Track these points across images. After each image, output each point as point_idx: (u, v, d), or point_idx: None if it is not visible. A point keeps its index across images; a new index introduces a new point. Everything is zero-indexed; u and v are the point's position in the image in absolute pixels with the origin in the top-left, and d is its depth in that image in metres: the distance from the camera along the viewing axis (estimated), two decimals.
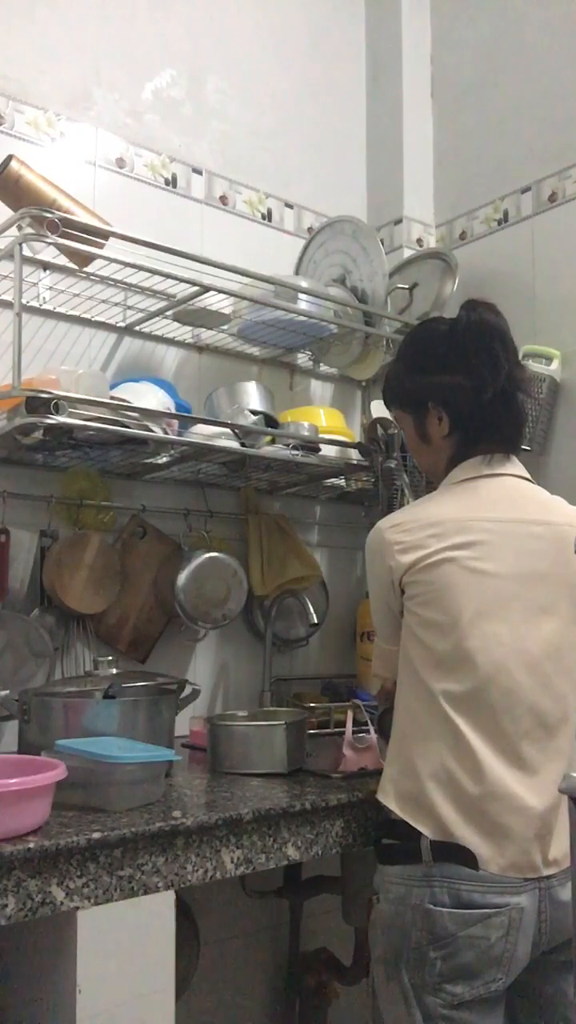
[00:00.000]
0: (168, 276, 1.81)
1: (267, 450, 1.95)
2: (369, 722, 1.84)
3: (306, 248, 2.40)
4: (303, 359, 2.36)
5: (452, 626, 1.28)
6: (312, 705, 2.09)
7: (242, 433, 1.90)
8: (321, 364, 2.39)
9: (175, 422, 1.81)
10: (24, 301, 1.70)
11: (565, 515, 1.40)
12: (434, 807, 1.25)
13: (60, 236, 1.64)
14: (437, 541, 1.31)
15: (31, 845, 1.11)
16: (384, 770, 1.36)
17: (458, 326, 1.42)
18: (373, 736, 1.82)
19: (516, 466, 1.42)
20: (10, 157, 1.69)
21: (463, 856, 1.23)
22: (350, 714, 1.81)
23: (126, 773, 1.31)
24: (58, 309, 1.95)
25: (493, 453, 1.40)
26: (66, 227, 1.65)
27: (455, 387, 1.39)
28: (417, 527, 1.34)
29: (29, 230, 1.64)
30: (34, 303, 1.90)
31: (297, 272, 2.38)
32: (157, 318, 2.03)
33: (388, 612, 1.39)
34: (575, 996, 1.26)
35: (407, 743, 1.31)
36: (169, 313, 2.00)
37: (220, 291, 1.87)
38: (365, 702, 1.89)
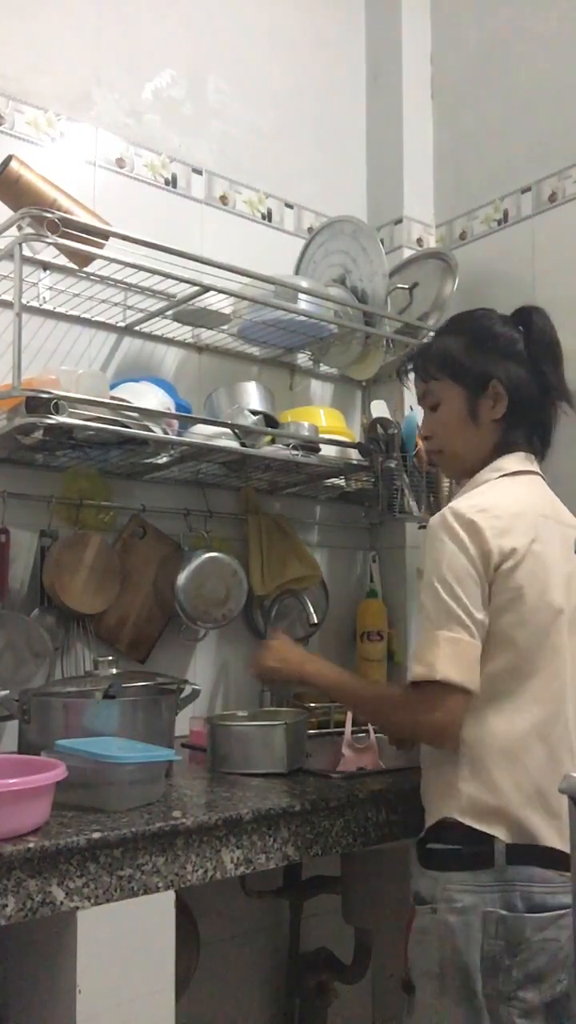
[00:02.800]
0: (168, 276, 1.81)
1: (267, 450, 1.95)
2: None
3: (306, 248, 2.40)
4: (303, 359, 2.36)
5: (545, 623, 1.29)
6: (312, 705, 2.09)
7: (242, 433, 1.89)
8: (321, 364, 2.39)
9: (175, 422, 1.81)
10: (24, 301, 1.70)
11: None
12: (519, 818, 1.23)
13: (60, 236, 1.64)
14: (523, 534, 1.30)
15: (31, 845, 1.11)
16: (455, 789, 1.27)
17: (533, 327, 1.45)
18: (373, 737, 1.82)
19: (539, 469, 1.46)
20: (10, 157, 1.69)
21: (544, 857, 1.22)
22: (350, 714, 1.81)
23: (126, 773, 1.31)
24: (58, 309, 1.95)
25: (534, 452, 1.44)
26: (66, 227, 1.65)
27: (520, 375, 1.42)
28: (506, 515, 1.30)
29: (29, 230, 1.64)
30: (34, 303, 1.90)
31: (297, 272, 2.37)
32: (157, 318, 2.03)
33: (477, 591, 1.25)
34: (575, 993, 1.26)
35: (485, 760, 1.26)
36: (169, 313, 2.00)
37: (220, 291, 1.86)
38: None
